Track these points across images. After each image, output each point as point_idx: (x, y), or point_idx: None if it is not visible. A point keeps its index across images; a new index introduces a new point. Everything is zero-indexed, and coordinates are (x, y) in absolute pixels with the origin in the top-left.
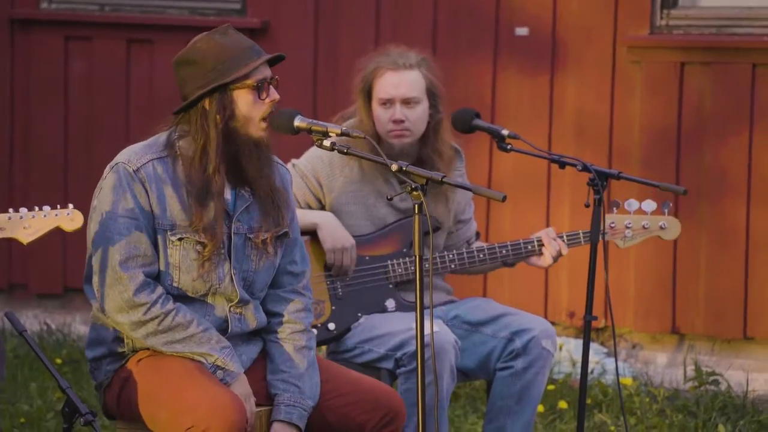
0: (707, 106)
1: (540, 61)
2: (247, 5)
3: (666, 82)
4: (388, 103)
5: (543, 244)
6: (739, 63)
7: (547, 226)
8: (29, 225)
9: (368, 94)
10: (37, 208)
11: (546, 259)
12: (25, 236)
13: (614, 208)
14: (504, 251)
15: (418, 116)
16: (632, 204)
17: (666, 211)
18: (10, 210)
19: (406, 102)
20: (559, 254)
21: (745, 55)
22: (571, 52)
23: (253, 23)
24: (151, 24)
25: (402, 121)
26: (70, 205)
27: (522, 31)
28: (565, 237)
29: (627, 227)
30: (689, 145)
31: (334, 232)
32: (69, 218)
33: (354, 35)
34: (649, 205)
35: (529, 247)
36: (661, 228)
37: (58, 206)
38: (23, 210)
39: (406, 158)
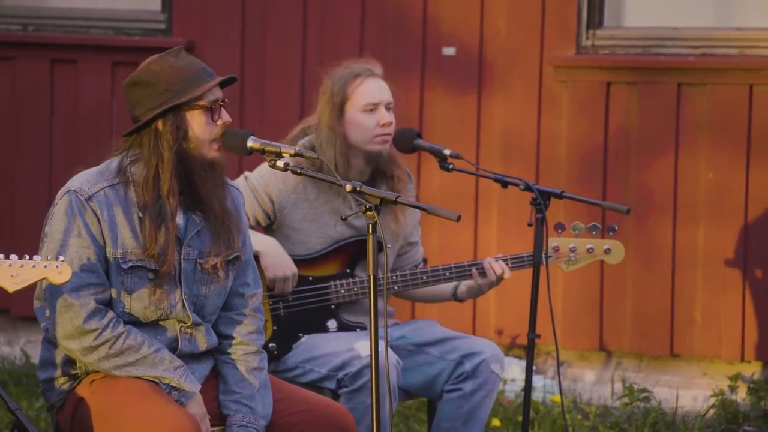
0: (633, 125)
1: (467, 80)
2: (173, 25)
3: (592, 102)
4: (373, 108)
5: (483, 269)
6: (665, 83)
7: (475, 244)
8: (17, 273)
9: (340, 108)
10: (27, 257)
11: (475, 279)
12: (12, 284)
13: (559, 231)
14: (448, 273)
15: (394, 122)
16: (577, 227)
17: (611, 234)
18: (0, 256)
19: (388, 107)
20: (501, 278)
21: (670, 74)
22: (498, 72)
23: (179, 43)
24: (75, 44)
25: (390, 124)
26: (60, 257)
27: (449, 50)
28: (509, 260)
29: (571, 251)
30: (616, 164)
31: (275, 260)
32: (57, 270)
33: (280, 55)
34: (595, 228)
35: (474, 269)
36: (606, 252)
37: (48, 257)
38: (13, 257)
39: (386, 164)
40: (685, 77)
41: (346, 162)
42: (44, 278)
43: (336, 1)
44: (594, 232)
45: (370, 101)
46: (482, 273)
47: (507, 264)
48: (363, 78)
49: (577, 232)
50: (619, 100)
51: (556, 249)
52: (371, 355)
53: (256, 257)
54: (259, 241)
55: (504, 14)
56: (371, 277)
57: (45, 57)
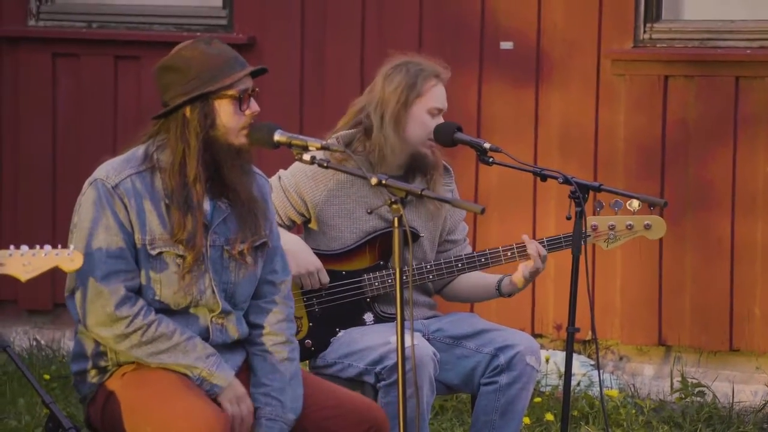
0: (691, 118)
1: (525, 74)
2: (234, 21)
3: (650, 95)
4: (437, 113)
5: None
6: (723, 76)
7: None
8: (29, 262)
9: (410, 101)
10: (38, 247)
11: (520, 273)
12: (24, 273)
13: (597, 209)
14: (483, 259)
15: None
16: (618, 204)
17: (652, 209)
18: (11, 246)
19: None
20: (543, 259)
21: (728, 68)
22: (556, 66)
23: (240, 39)
24: (138, 40)
25: None
26: (71, 246)
27: (507, 45)
28: (545, 242)
29: (610, 228)
30: (673, 157)
31: (298, 258)
32: (69, 258)
33: (340, 50)
34: (635, 204)
35: (509, 253)
36: (646, 227)
37: (59, 246)
38: (24, 247)
39: (427, 167)
40: (743, 70)
41: (392, 153)
42: (56, 266)
43: None
44: (634, 209)
45: (438, 106)
46: (520, 256)
47: (544, 245)
48: (438, 81)
49: (616, 209)
50: (677, 94)
51: (595, 228)
52: (397, 347)
53: None
54: (283, 240)
55: (561, 8)
56: (397, 270)
57: (108, 53)
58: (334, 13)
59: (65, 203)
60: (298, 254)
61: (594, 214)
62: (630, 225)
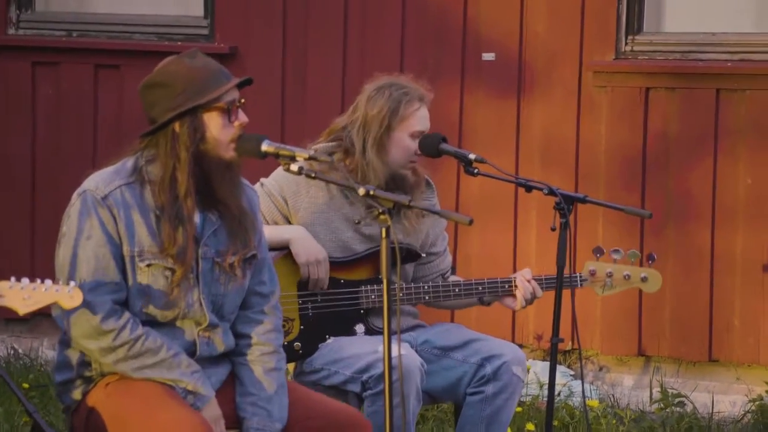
0: (672, 130)
1: (507, 85)
2: (216, 31)
3: (631, 107)
4: (420, 135)
5: (517, 286)
6: (703, 88)
7: (515, 249)
8: (29, 296)
9: (392, 124)
10: (39, 281)
11: (518, 302)
12: (23, 306)
13: (597, 255)
14: (480, 288)
15: None
16: (617, 252)
17: (651, 262)
18: (12, 278)
19: None
20: (534, 296)
21: (709, 80)
22: (538, 77)
23: (222, 48)
24: (119, 49)
25: None
26: (72, 283)
27: (489, 56)
28: (543, 279)
29: (608, 276)
30: (654, 169)
31: (307, 246)
32: (69, 295)
33: (322, 60)
34: (634, 255)
35: (506, 286)
36: (642, 280)
37: (60, 281)
38: (25, 280)
39: (407, 187)
40: (724, 83)
41: (374, 176)
42: (55, 302)
43: (377, 8)
44: (633, 259)
45: (421, 129)
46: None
47: (541, 282)
48: (421, 104)
49: (615, 257)
50: (658, 106)
51: (593, 273)
52: (384, 359)
53: (287, 246)
54: (288, 230)
55: (544, 20)
56: (385, 281)
57: (89, 62)
58: (316, 22)
59: (44, 211)
60: (306, 242)
61: (593, 259)
62: (627, 275)
